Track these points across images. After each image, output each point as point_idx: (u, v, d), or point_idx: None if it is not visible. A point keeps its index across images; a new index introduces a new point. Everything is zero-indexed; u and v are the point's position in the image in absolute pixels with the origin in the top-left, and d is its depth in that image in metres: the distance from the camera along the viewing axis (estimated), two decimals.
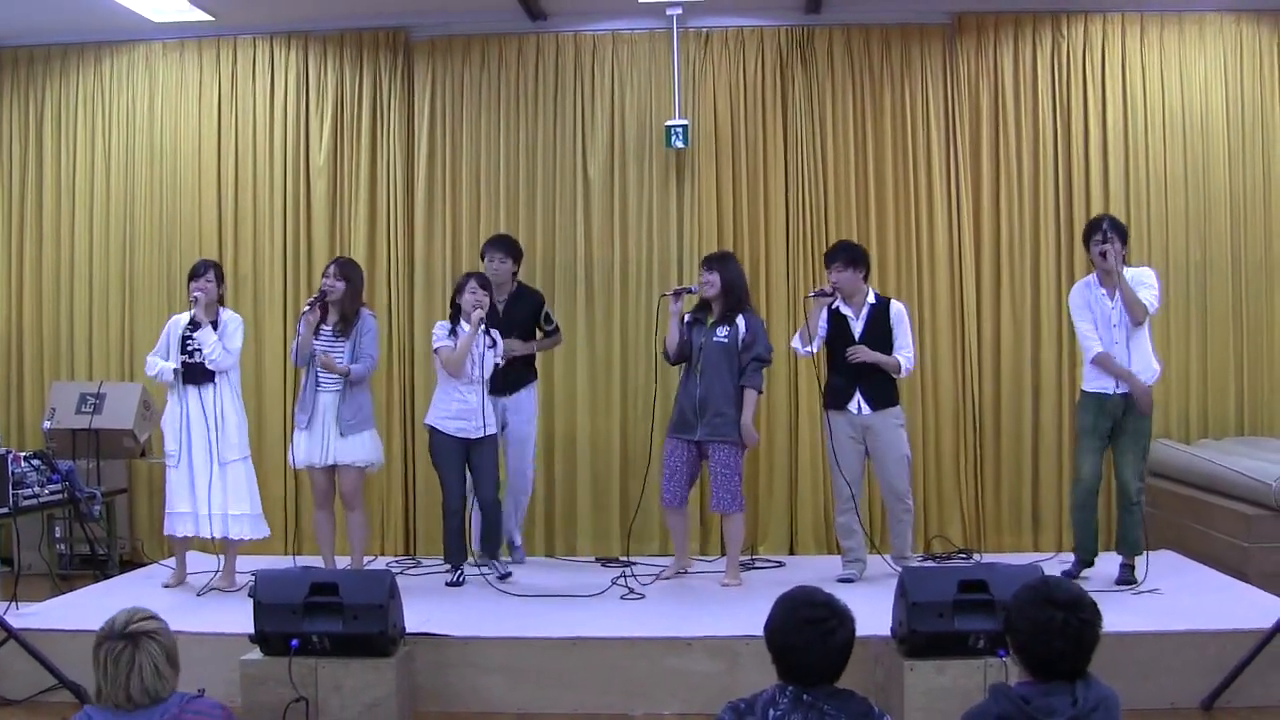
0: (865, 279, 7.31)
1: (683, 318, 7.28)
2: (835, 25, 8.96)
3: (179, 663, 3.55)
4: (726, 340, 7.13)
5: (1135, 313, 6.80)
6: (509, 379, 7.66)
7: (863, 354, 7.10)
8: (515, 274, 7.88)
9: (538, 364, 8.18)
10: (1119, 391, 6.86)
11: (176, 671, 3.52)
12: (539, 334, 7.94)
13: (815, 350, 7.26)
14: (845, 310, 7.22)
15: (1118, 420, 6.91)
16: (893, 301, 7.38)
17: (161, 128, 9.28)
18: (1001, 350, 8.84)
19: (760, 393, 7.28)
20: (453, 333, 7.19)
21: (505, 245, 7.84)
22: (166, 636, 3.52)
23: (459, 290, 7.27)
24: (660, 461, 7.37)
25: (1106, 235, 6.79)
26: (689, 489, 7.34)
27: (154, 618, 3.55)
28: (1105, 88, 8.85)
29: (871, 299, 7.28)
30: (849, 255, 7.26)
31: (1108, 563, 7.15)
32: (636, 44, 9.05)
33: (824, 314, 7.24)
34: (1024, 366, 8.80)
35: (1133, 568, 6.99)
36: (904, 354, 7.22)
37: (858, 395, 7.15)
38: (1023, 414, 8.80)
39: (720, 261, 7.31)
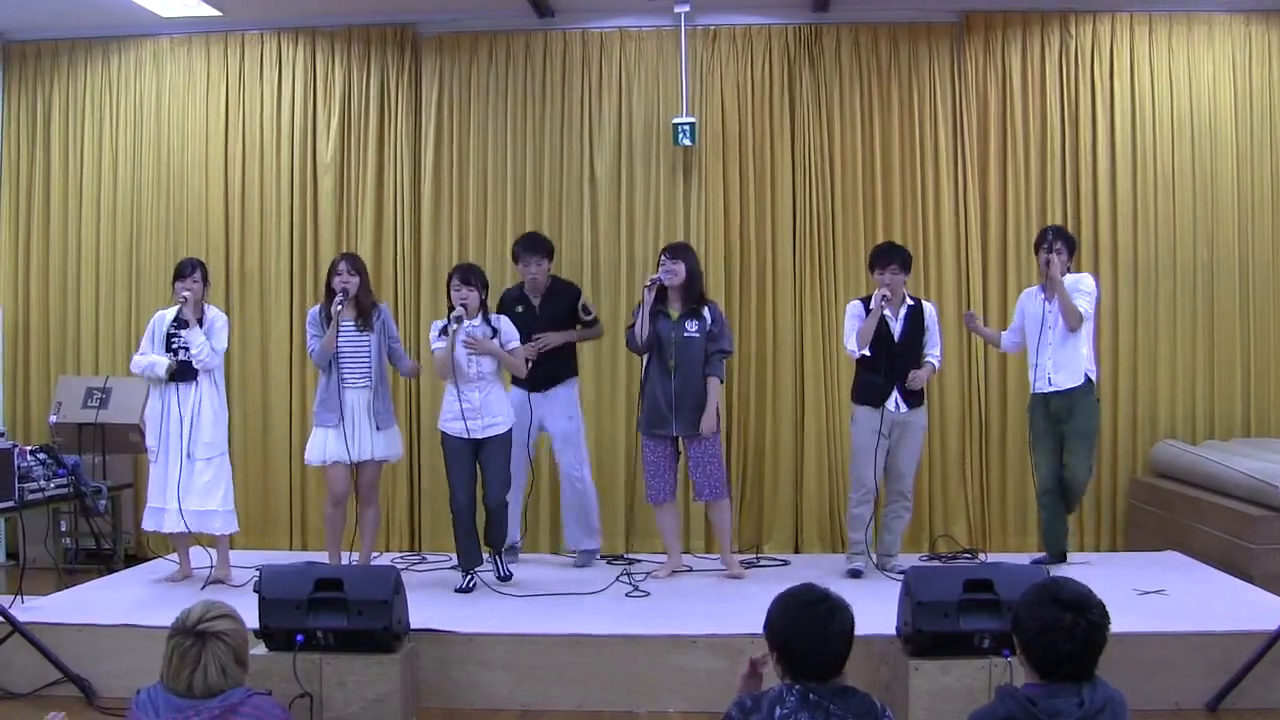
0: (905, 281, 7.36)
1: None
2: (843, 23, 8.96)
3: (248, 661, 3.55)
4: (698, 334, 7.12)
5: (1070, 319, 7.20)
6: (542, 375, 7.54)
7: (920, 379, 7.23)
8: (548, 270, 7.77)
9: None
10: (1051, 389, 7.30)
11: (244, 669, 3.53)
12: (577, 329, 7.79)
13: (867, 353, 7.20)
14: (885, 311, 7.21)
15: (1063, 419, 7.32)
16: (925, 303, 7.42)
17: (168, 123, 9.30)
18: None
19: (721, 381, 7.29)
20: (444, 331, 6.96)
21: (538, 246, 7.69)
22: (236, 637, 3.51)
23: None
24: (640, 461, 7.37)
25: (1051, 245, 7.25)
26: (674, 483, 7.34)
27: (228, 616, 3.54)
28: (1114, 87, 8.84)
29: (909, 300, 7.29)
30: (905, 259, 7.30)
31: (1121, 563, 7.16)
32: (644, 41, 9.05)
33: (862, 313, 7.22)
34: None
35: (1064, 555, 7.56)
36: (933, 354, 7.31)
37: (895, 393, 7.18)
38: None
39: (684, 251, 7.30)
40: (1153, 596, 6.51)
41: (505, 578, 7.11)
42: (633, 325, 7.25)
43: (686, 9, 8.79)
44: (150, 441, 7.21)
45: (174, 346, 7.10)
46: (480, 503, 7.12)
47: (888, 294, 7.14)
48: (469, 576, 7.01)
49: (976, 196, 8.89)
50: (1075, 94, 8.86)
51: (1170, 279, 8.81)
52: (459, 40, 9.14)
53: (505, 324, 7.17)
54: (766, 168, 8.96)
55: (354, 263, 7.21)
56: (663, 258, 7.24)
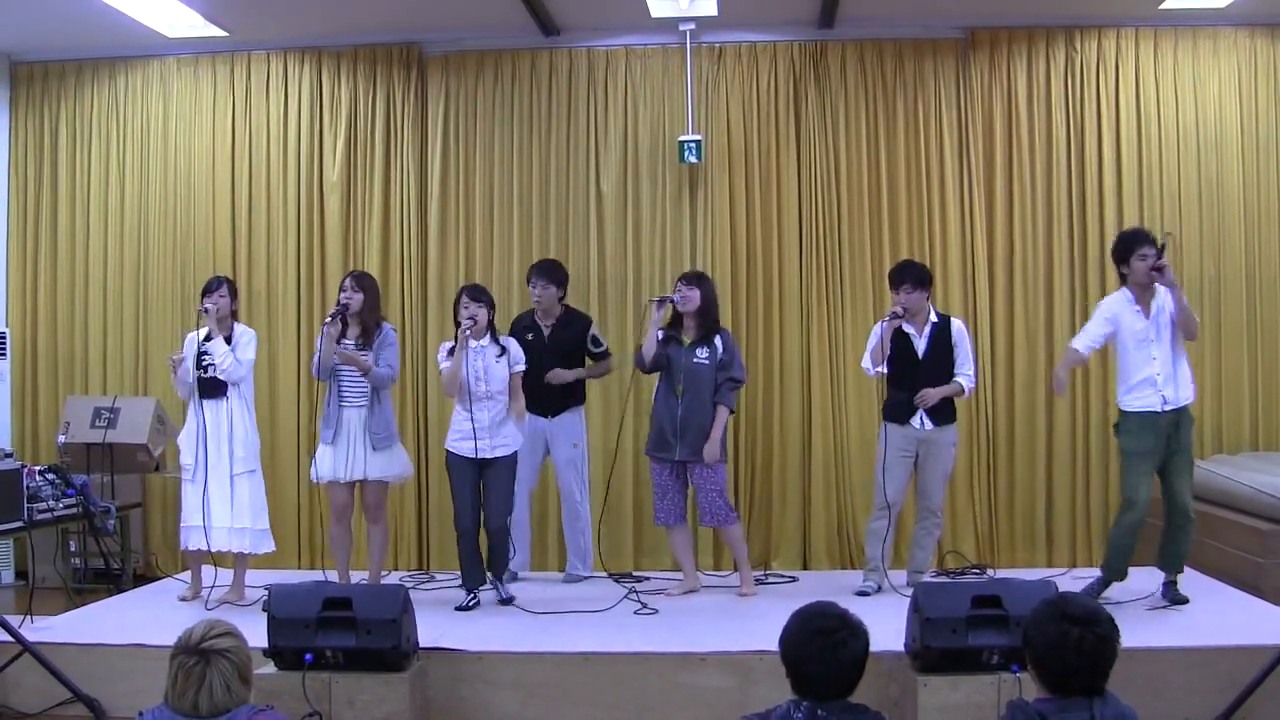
0: (928, 297, 7.33)
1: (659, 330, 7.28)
2: (848, 40, 8.97)
3: (252, 678, 3.53)
4: (707, 361, 7.16)
5: (1191, 328, 6.69)
6: (551, 401, 7.69)
7: (929, 397, 7.14)
8: (562, 298, 7.83)
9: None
10: (1168, 408, 6.64)
11: (249, 687, 3.50)
12: (586, 360, 7.88)
13: (884, 371, 7.19)
14: (908, 329, 7.18)
15: (1170, 438, 6.69)
16: (953, 320, 7.42)
17: (175, 143, 9.32)
18: (1015, 365, 8.83)
19: (731, 411, 7.32)
20: (452, 351, 7.01)
21: (548, 271, 7.78)
22: (240, 654, 3.49)
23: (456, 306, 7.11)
24: (649, 482, 7.44)
25: (1161, 251, 6.61)
26: (684, 505, 7.34)
27: (230, 633, 3.52)
28: (1119, 102, 8.85)
29: (934, 317, 7.29)
30: (918, 276, 7.25)
31: (1130, 578, 7.08)
32: (650, 59, 9.07)
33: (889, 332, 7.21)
34: (1037, 381, 8.78)
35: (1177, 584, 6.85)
36: (965, 373, 7.27)
37: (921, 411, 7.16)
38: (1036, 429, 8.79)
39: (700, 279, 7.36)
40: (1162, 612, 6.49)
41: (506, 601, 7.06)
42: (640, 346, 7.29)
43: (692, 26, 8.82)
44: (185, 460, 7.20)
45: (204, 364, 7.12)
46: (483, 526, 7.12)
47: (898, 310, 7.14)
48: (471, 595, 7.03)
49: (982, 211, 8.89)
50: (1080, 109, 8.86)
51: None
52: (465, 59, 9.17)
53: (513, 346, 7.20)
54: (772, 184, 8.97)
55: (360, 280, 7.23)
56: (679, 284, 7.31)
